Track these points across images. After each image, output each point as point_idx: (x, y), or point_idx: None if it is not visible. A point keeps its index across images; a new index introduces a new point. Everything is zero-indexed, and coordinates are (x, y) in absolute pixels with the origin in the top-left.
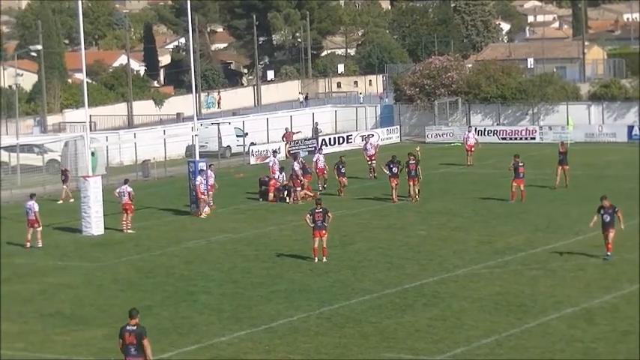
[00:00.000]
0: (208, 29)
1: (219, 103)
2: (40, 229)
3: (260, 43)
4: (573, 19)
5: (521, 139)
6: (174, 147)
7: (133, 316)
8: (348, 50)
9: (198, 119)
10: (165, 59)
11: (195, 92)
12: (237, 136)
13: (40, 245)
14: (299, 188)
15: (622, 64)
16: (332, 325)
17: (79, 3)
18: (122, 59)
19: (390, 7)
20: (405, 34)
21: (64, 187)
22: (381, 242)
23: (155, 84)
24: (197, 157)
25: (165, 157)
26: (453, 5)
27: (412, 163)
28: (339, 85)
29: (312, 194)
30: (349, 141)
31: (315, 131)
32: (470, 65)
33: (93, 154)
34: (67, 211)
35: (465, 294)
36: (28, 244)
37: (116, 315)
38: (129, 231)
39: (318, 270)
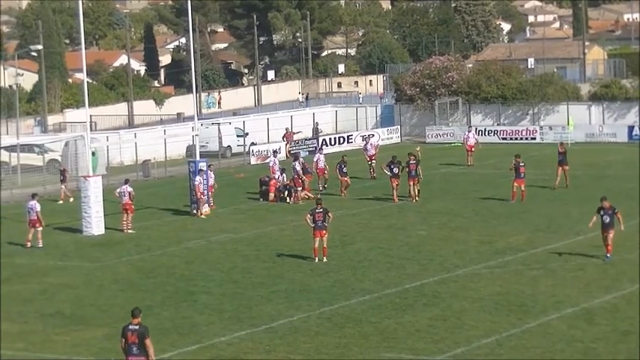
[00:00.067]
0: (209, 29)
1: (219, 103)
2: (41, 229)
3: (260, 43)
4: (574, 19)
5: (521, 139)
6: (174, 147)
7: (135, 316)
8: (349, 50)
9: (198, 119)
10: (165, 59)
11: (196, 92)
12: (238, 136)
13: (41, 245)
14: (300, 188)
15: (622, 64)
16: (332, 325)
17: (80, 3)
18: (122, 59)
19: (390, 7)
20: (405, 34)
21: (62, 187)
22: (381, 242)
23: (155, 84)
24: (197, 157)
25: (165, 157)
26: (453, 5)
27: (412, 163)
28: (339, 85)
29: (311, 195)
30: (349, 141)
31: (316, 131)
32: (470, 65)
33: (93, 154)
34: (68, 211)
35: (466, 294)
36: (29, 244)
37: (116, 315)
38: (129, 231)
39: (319, 270)
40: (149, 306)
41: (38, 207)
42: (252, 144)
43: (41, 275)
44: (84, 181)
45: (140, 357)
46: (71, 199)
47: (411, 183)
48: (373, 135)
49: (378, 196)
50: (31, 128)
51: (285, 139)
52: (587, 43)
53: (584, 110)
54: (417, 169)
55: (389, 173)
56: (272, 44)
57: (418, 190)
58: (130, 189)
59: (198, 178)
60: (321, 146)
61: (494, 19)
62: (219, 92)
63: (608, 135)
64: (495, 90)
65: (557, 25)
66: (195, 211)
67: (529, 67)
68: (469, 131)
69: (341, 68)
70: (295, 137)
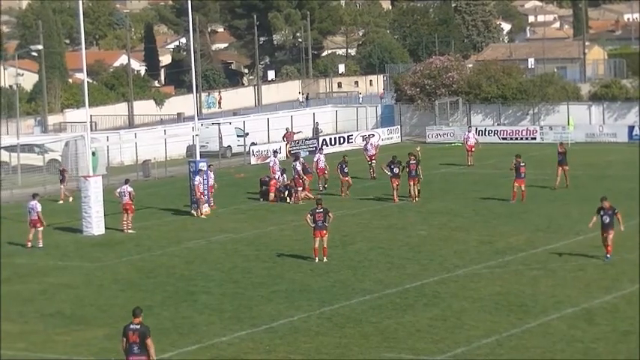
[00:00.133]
0: (209, 29)
1: (219, 103)
2: (42, 229)
3: (261, 43)
4: (574, 19)
5: (521, 139)
6: (174, 147)
7: (136, 315)
8: (349, 50)
9: (198, 119)
10: (165, 59)
11: (196, 92)
12: (238, 136)
13: (41, 245)
14: (300, 188)
15: (623, 64)
16: (332, 325)
17: (80, 3)
18: (123, 59)
19: (390, 7)
20: (405, 34)
21: (62, 187)
22: (381, 242)
23: (156, 84)
24: (198, 157)
25: (165, 157)
26: (453, 5)
27: (413, 163)
28: (339, 85)
29: (311, 196)
30: (350, 141)
31: (316, 131)
32: (470, 65)
33: (94, 154)
34: (68, 211)
35: (466, 294)
36: (29, 244)
37: (117, 315)
38: (129, 231)
39: (319, 270)
40: (149, 306)
41: (39, 207)
42: (253, 144)
43: (41, 275)
44: (84, 181)
45: (141, 356)
46: (70, 199)
47: (411, 183)
48: (373, 135)
49: (378, 196)
50: (31, 128)
51: (285, 139)
52: (587, 43)
53: (585, 110)
54: (417, 169)
55: (389, 173)
56: (272, 44)
57: (418, 190)
58: (130, 189)
59: (197, 178)
60: (322, 146)
61: (494, 19)
62: (220, 92)
63: (609, 135)
64: (495, 90)
65: (557, 25)
66: (193, 212)
67: (529, 67)
68: (469, 131)
69: (341, 68)
70: (295, 137)
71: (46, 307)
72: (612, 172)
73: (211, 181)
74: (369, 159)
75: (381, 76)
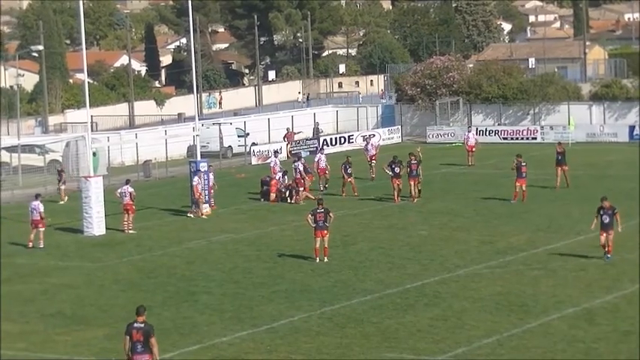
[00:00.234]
0: (209, 29)
1: (220, 103)
2: (44, 229)
3: (261, 43)
4: (574, 19)
5: (522, 139)
6: (175, 147)
7: (140, 313)
8: (350, 50)
9: (199, 119)
10: (166, 59)
11: (197, 92)
12: (239, 136)
13: (42, 246)
14: (301, 188)
15: (623, 64)
16: (333, 325)
17: (81, 3)
18: (123, 59)
19: (391, 7)
20: (406, 34)
21: (62, 187)
22: (382, 242)
23: (156, 84)
24: (198, 158)
25: (166, 158)
26: (454, 5)
27: (413, 163)
28: (340, 85)
29: (312, 197)
30: (350, 141)
31: (317, 131)
32: (471, 65)
33: (94, 154)
34: (69, 212)
35: (467, 294)
36: (31, 245)
37: (117, 315)
38: (130, 231)
39: (320, 270)
40: (150, 306)
41: (41, 207)
42: (253, 144)
43: (42, 275)
44: (85, 182)
45: (144, 355)
46: (66, 198)
47: (412, 183)
48: (374, 135)
49: (379, 196)
50: (32, 129)
51: (286, 139)
52: (587, 43)
53: (585, 110)
54: (417, 169)
55: (390, 173)
56: (273, 44)
57: (419, 190)
58: (130, 189)
59: (195, 178)
60: (322, 146)
61: (494, 19)
62: (220, 92)
63: (609, 135)
64: (496, 90)
65: (557, 24)
66: (189, 214)
67: (530, 67)
68: (469, 131)
69: (342, 68)
70: (296, 137)
71: (46, 307)
72: (613, 172)
73: (211, 182)
74: (369, 159)
75: (382, 76)
